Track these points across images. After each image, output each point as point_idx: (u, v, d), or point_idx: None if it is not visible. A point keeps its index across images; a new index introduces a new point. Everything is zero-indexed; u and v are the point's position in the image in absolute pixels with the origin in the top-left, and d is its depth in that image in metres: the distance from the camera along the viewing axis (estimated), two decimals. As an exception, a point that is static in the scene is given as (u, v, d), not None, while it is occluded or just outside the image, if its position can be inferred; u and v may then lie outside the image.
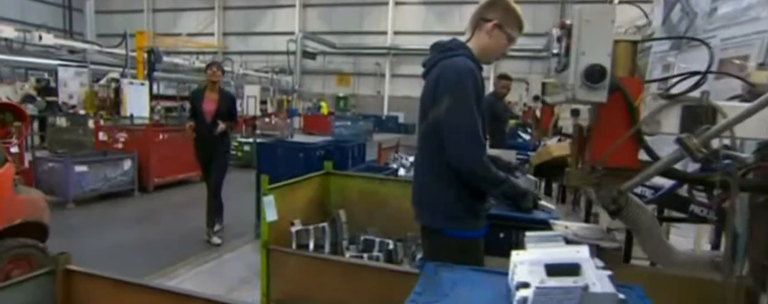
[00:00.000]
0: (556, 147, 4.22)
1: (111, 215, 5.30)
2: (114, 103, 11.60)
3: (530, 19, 23.98)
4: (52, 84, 12.12)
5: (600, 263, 1.22)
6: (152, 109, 12.65)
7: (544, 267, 1.19)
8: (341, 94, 25.79)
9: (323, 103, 22.41)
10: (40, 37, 10.64)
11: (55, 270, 1.51)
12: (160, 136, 6.40)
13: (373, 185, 3.48)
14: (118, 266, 3.47)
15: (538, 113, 5.23)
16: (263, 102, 17.98)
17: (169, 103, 15.66)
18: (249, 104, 15.93)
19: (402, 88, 26.74)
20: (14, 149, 3.08)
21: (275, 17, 27.48)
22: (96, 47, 13.07)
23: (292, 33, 26.48)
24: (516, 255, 1.26)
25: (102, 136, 6.48)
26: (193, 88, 5.05)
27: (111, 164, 5.83)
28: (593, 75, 1.46)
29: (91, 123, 9.16)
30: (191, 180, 6.62)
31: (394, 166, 5.99)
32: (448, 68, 1.57)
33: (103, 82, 11.93)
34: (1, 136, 2.79)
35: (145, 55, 13.15)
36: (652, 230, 1.80)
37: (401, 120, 24.86)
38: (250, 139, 9.41)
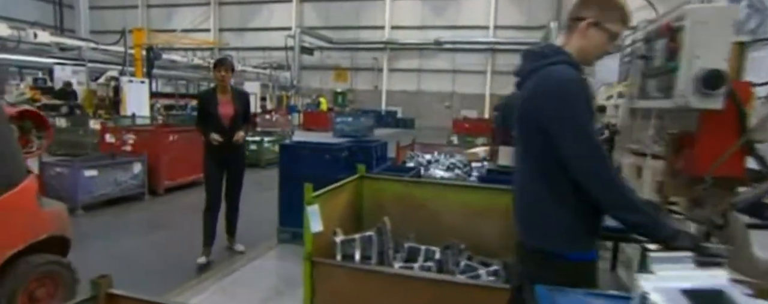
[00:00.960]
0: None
1: (123, 221, 5.14)
2: (113, 102, 11.35)
3: (526, 13, 24.07)
4: (49, 83, 11.84)
5: (747, 291, 1.11)
6: (151, 108, 12.41)
7: (683, 294, 1.08)
8: (339, 90, 25.57)
9: (322, 99, 22.21)
10: (36, 35, 10.35)
11: (96, 295, 1.37)
12: (170, 138, 6.22)
13: (409, 188, 3.36)
14: (139, 278, 3.33)
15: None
16: (263, 99, 17.75)
17: (167, 101, 15.40)
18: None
19: (399, 83, 26.58)
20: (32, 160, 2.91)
21: (271, 12, 27.14)
22: (92, 45, 12.78)
23: (288, 28, 26.18)
24: (644, 279, 1.14)
25: (109, 138, 6.29)
26: (202, 89, 4.24)
27: (120, 168, 5.66)
28: (711, 81, 1.34)
29: (92, 123, 8.93)
30: (201, 181, 6.45)
31: (411, 164, 5.87)
32: (548, 84, 1.38)
33: (102, 80, 11.66)
34: (22, 145, 2.61)
35: (144, 53, 12.88)
36: (746, 241, 1.69)
37: (399, 115, 24.72)
38: (257, 138, 9.25)
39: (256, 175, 7.15)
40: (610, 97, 4.67)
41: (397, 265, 2.65)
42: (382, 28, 26.05)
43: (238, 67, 18.37)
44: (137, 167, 5.81)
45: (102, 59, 13.52)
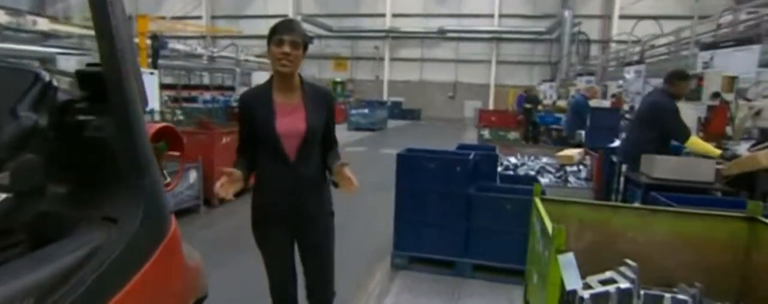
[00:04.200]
0: (765, 155, 3.58)
1: (189, 240, 4.36)
2: (121, 96, 10.34)
3: (531, 1, 23.57)
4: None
5: None
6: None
7: None
8: (338, 79, 24.69)
9: (328, 90, 21.29)
10: (35, 22, 9.28)
11: None
12: (224, 140, 5.44)
13: (602, 214, 2.75)
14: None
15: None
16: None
17: (168, 93, 14.36)
18: (258, 93, 14.80)
19: (402, 73, 25.84)
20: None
21: (267, -1, 25.96)
22: (92, 32, 11.65)
23: (285, 16, 25.08)
24: None
25: (150, 140, 5.46)
26: (244, 91, 2.18)
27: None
28: None
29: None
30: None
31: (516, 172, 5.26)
32: None
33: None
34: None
35: (148, 42, 11.86)
36: None
37: (404, 106, 24.05)
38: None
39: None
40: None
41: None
42: (383, 15, 25.20)
43: (241, 56, 17.35)
44: (192, 176, 5.03)
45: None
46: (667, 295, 2.24)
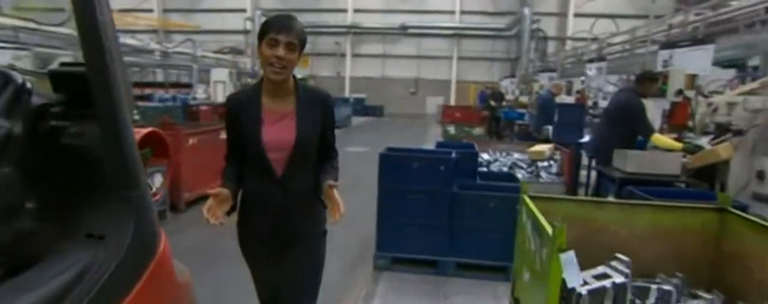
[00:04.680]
0: (724, 148, 3.78)
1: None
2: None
3: (492, -1, 23.99)
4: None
5: None
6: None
7: None
8: (299, 76, 23.97)
9: (290, 87, 20.89)
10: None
11: None
12: (190, 141, 5.18)
13: (587, 209, 2.80)
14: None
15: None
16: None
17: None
18: (217, 91, 14.30)
19: (363, 69, 25.72)
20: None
21: (224, -8, 25.09)
22: (32, 25, 10.81)
23: (243, 10, 24.40)
24: None
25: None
26: (231, 93, 1.95)
27: (137, 180, 4.59)
28: None
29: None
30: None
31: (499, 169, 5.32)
32: None
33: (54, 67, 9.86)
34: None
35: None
36: None
37: (366, 102, 23.97)
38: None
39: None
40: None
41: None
42: (344, 11, 24.96)
43: (198, 52, 16.70)
44: (158, 179, 4.74)
45: (40, 43, 11.53)
46: (653, 286, 2.32)
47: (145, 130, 1.76)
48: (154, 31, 23.67)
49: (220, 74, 14.41)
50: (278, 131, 1.71)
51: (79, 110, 1.40)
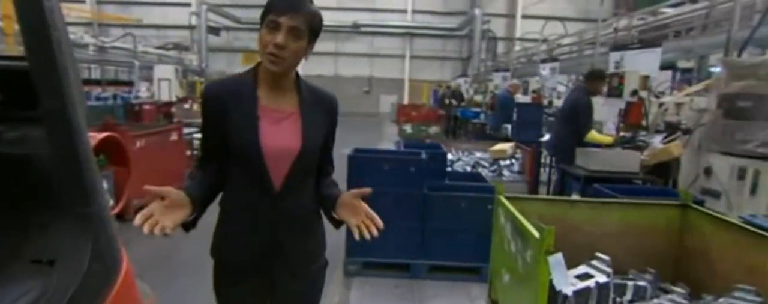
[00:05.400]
0: (675, 146, 3.97)
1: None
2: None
3: (443, -1, 24.37)
4: None
5: None
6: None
7: None
8: (249, 75, 23.49)
9: (240, 85, 20.14)
10: None
11: None
12: (138, 144, 4.77)
13: (560, 208, 2.82)
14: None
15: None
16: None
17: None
18: (162, 89, 13.52)
19: (316, 67, 25.25)
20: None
21: (166, -15, 23.81)
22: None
23: (188, 4, 23.25)
24: None
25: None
26: (213, 81, 1.51)
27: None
28: None
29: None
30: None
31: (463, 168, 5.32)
32: None
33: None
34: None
35: (18, 27, 10.18)
36: None
37: (320, 101, 23.59)
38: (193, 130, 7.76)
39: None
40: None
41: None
42: (295, 8, 24.38)
43: (139, 47, 15.71)
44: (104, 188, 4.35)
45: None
46: (630, 283, 2.36)
47: (100, 135, 1.53)
48: (89, 24, 22.06)
49: (164, 71, 13.62)
50: (280, 135, 1.37)
51: (22, 113, 1.19)
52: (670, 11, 7.38)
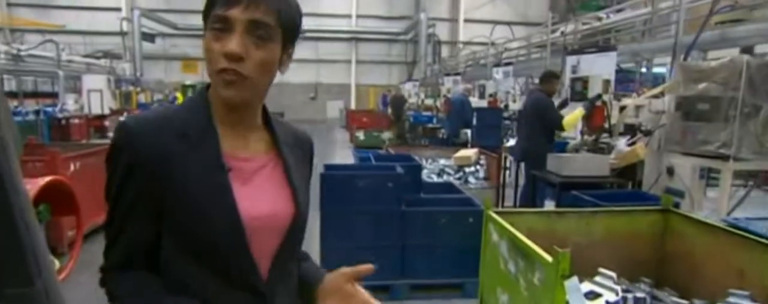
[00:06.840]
0: (640, 148, 4.06)
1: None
2: None
3: (387, 3, 24.50)
4: None
5: None
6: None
7: None
8: (188, 82, 22.24)
9: (179, 95, 19.02)
10: None
11: None
12: (71, 167, 4.20)
13: (549, 220, 2.73)
14: None
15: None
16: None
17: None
18: (92, 101, 12.41)
19: (259, 74, 24.46)
20: None
21: (92, -12, 22.08)
22: None
23: (118, 9, 21.71)
24: None
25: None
26: (134, 117, 0.86)
27: None
28: None
29: None
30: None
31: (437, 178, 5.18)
32: None
33: None
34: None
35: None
36: None
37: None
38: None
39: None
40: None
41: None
42: (235, 12, 23.48)
43: (64, 55, 14.38)
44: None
45: None
46: (630, 296, 2.30)
47: (42, 181, 1.20)
48: (-1, 30, 19.99)
49: (94, 81, 12.50)
50: (261, 197, 0.89)
51: None
52: (613, 17, 7.76)
